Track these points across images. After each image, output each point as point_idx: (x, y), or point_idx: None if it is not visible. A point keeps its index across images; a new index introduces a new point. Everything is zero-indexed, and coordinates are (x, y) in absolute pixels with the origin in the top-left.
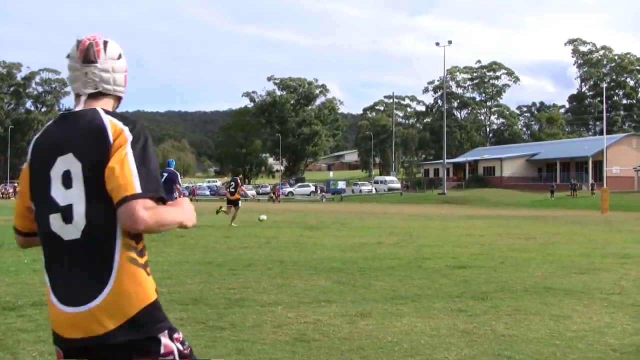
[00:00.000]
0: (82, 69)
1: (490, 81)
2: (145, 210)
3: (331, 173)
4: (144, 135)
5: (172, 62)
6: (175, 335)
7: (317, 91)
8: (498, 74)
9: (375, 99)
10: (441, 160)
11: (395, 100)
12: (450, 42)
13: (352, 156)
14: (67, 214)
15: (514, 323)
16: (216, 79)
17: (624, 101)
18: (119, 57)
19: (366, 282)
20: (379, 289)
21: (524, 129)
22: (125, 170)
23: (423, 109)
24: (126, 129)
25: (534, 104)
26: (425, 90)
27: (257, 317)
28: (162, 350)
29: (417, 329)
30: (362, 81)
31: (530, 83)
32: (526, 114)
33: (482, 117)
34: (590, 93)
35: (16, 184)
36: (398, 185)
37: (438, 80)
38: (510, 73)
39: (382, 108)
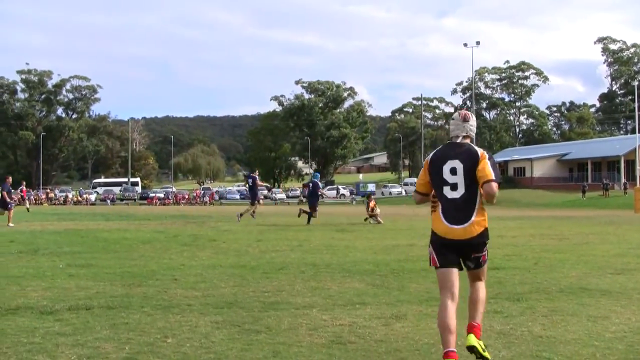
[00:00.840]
0: (462, 124)
1: (519, 81)
2: (496, 186)
3: (361, 176)
4: (489, 154)
5: (199, 67)
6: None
7: (345, 94)
8: (527, 74)
9: (403, 101)
10: None
11: (424, 102)
12: (478, 42)
13: (381, 158)
14: (453, 187)
15: (550, 324)
16: (243, 83)
17: None
18: (474, 119)
19: (400, 284)
20: (413, 291)
21: (554, 129)
22: (486, 169)
23: (452, 110)
24: (484, 151)
25: (563, 103)
26: (454, 92)
27: (292, 320)
28: (485, 251)
29: None
30: (390, 83)
31: (560, 83)
32: (556, 114)
33: (512, 118)
34: (621, 91)
35: (48, 190)
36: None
37: (466, 81)
38: (539, 73)
39: (410, 110)
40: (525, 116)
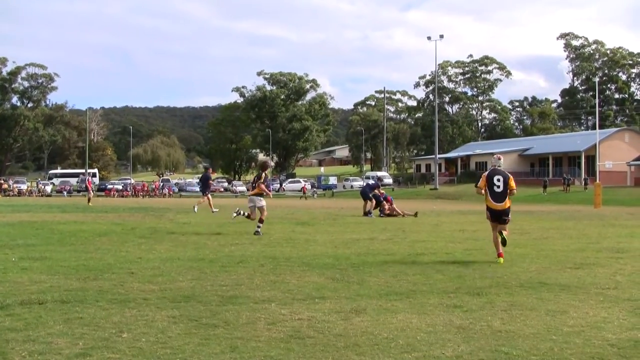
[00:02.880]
0: (498, 161)
1: (482, 76)
2: (515, 190)
3: (322, 169)
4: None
5: (161, 58)
6: None
7: (308, 86)
8: (490, 68)
9: (366, 93)
10: (433, 156)
11: (387, 95)
12: (441, 36)
13: (343, 151)
14: (497, 187)
15: (510, 318)
16: (205, 74)
17: (617, 95)
18: (502, 160)
19: (360, 278)
20: (373, 285)
21: (516, 123)
22: (512, 182)
23: (414, 103)
24: (510, 175)
25: (525, 98)
26: (417, 85)
27: (250, 314)
28: (509, 218)
29: (413, 325)
30: (353, 76)
31: (522, 78)
32: (518, 109)
33: (474, 112)
34: (583, 87)
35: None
36: (390, 181)
37: (429, 75)
38: (502, 67)
39: (373, 103)
40: (488, 110)
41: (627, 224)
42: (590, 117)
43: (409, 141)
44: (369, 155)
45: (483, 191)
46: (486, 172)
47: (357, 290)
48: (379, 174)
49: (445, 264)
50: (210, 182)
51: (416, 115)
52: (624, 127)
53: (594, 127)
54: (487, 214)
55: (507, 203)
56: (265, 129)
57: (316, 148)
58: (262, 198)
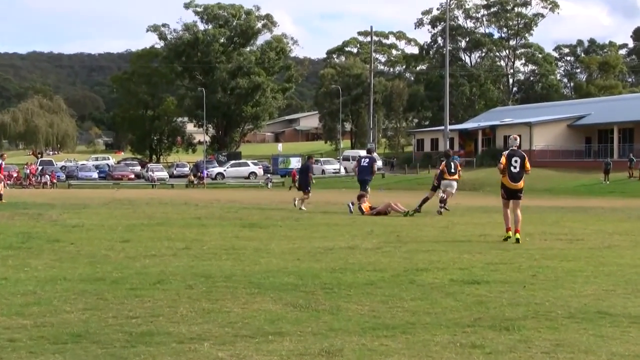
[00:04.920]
0: (514, 141)
1: (515, 9)
2: (530, 170)
3: (280, 146)
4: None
5: None
6: None
7: (259, 25)
8: None
9: (344, 37)
10: (441, 127)
11: (375, 38)
12: None
13: (310, 121)
14: (514, 167)
15: None
16: (106, 7)
17: None
18: (519, 139)
19: (334, 305)
20: (353, 315)
21: (565, 79)
22: (527, 163)
23: (416, 51)
24: (525, 155)
25: (579, 42)
26: (419, 24)
27: (172, 359)
28: (522, 195)
29: None
30: (325, 11)
31: (575, 11)
32: (568, 58)
33: (503, 63)
34: None
35: None
36: (379, 164)
37: (438, 9)
38: None
39: (355, 50)
40: (524, 61)
41: None
42: None
43: (406, 106)
44: (348, 126)
45: (503, 172)
46: (506, 152)
47: (329, 322)
48: (364, 152)
49: (459, 284)
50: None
51: (418, 69)
52: None
53: None
54: (502, 192)
55: (522, 183)
56: (197, 88)
57: (272, 116)
58: None
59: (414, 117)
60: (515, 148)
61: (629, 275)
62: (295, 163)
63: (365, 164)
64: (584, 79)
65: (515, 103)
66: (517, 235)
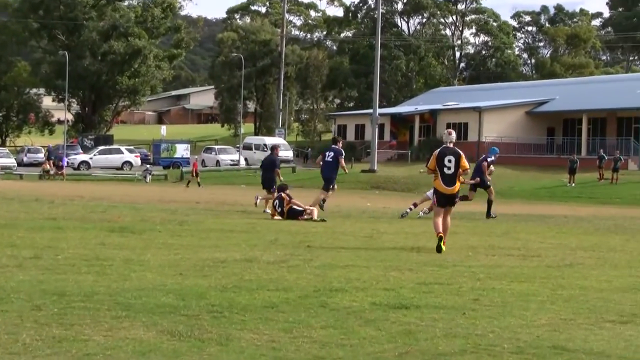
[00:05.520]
0: (448, 137)
1: None
2: (467, 169)
3: (164, 129)
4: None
5: None
6: None
7: None
8: None
9: None
10: (369, 111)
11: None
12: None
13: (204, 98)
14: (448, 169)
15: None
16: None
17: None
18: (454, 134)
19: (223, 334)
20: (247, 347)
21: (525, 55)
22: (464, 162)
23: (340, 13)
24: (461, 152)
25: (544, 9)
26: None
27: None
28: (457, 200)
29: None
30: None
31: None
32: (529, 28)
33: (449, 32)
34: None
35: None
36: (289, 154)
37: None
38: None
39: (262, 9)
40: (474, 30)
41: None
42: None
43: (326, 83)
44: (252, 106)
45: (433, 174)
46: (437, 151)
47: (216, 355)
48: (270, 140)
49: (383, 309)
50: None
51: (342, 35)
52: None
53: None
54: (435, 198)
55: (457, 186)
56: (58, 51)
57: (154, 90)
58: None
59: (335, 96)
60: (450, 145)
61: (592, 301)
62: (183, 151)
63: (330, 158)
64: (548, 54)
65: (462, 83)
66: (443, 246)
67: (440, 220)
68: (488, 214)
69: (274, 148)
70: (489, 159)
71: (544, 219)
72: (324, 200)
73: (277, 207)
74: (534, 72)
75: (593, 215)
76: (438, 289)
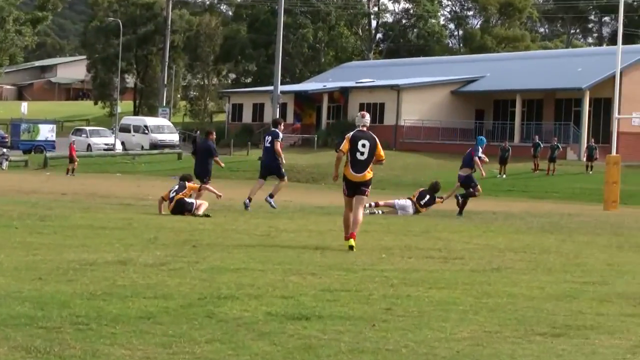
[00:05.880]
0: (362, 119)
1: None
2: (384, 160)
3: (24, 106)
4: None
5: None
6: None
7: None
8: None
9: None
10: (270, 88)
11: None
12: None
13: (73, 71)
14: (361, 154)
15: None
16: None
17: None
18: (368, 117)
19: (89, 349)
20: None
21: (452, 25)
22: (380, 150)
23: None
24: (376, 137)
25: None
26: None
27: None
28: (368, 190)
29: None
30: None
31: None
32: None
33: None
34: None
35: None
36: (174, 138)
37: None
38: None
39: None
40: None
41: None
42: (607, 19)
43: (220, 54)
44: (131, 80)
45: (344, 157)
46: (350, 134)
47: None
48: (152, 121)
49: (280, 320)
50: None
51: (238, 1)
52: None
53: (612, 41)
54: (344, 186)
55: (369, 174)
56: None
57: (14, 60)
58: None
59: (230, 71)
60: (364, 129)
61: (522, 311)
62: (48, 133)
63: (268, 143)
64: (478, 25)
65: (379, 56)
66: (352, 242)
67: (349, 214)
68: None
69: (209, 133)
70: (478, 154)
71: (470, 215)
72: (271, 196)
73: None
74: (461, 45)
75: (526, 212)
76: (345, 296)
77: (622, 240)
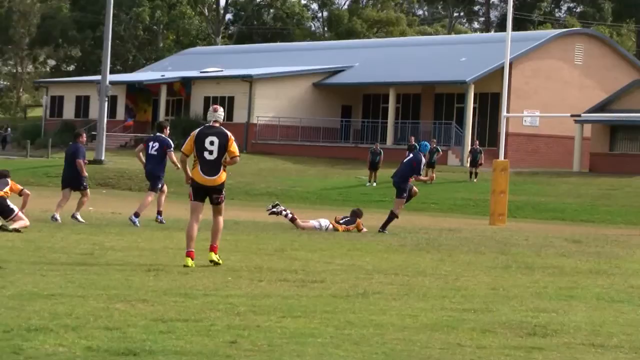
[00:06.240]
0: (214, 114)
1: None
2: (239, 158)
3: None
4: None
5: None
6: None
7: None
8: None
9: None
10: (97, 77)
11: None
12: None
13: None
14: (210, 153)
15: None
16: None
17: None
18: (222, 111)
19: None
20: None
21: (314, 5)
22: (233, 147)
23: None
24: (230, 134)
25: None
26: None
27: None
28: (222, 196)
29: None
30: None
31: None
32: None
33: None
34: None
35: None
36: None
37: None
38: None
39: None
40: None
41: (566, 265)
42: (495, 1)
43: (36, 36)
44: None
45: (187, 160)
46: (196, 130)
47: None
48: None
49: (102, 356)
50: None
51: None
52: (574, 28)
53: (501, 27)
54: (191, 190)
55: (222, 177)
56: None
57: None
58: None
59: (49, 56)
60: (216, 125)
61: (391, 344)
62: None
63: (154, 151)
64: (346, 6)
65: (228, 41)
66: (213, 256)
67: (195, 225)
68: (384, 227)
69: (78, 135)
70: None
71: (333, 233)
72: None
73: None
74: (326, 29)
75: (399, 227)
76: (181, 327)
77: (509, 260)
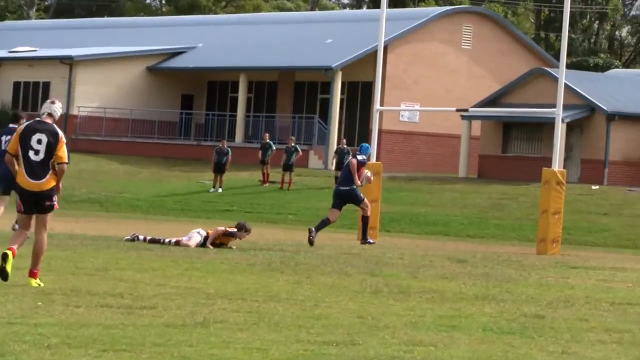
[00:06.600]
0: (51, 106)
1: None
2: (66, 166)
3: None
4: (65, 138)
5: None
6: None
7: None
8: None
9: None
10: None
11: None
12: None
13: None
14: (36, 153)
15: None
16: None
17: None
18: (60, 106)
19: None
20: None
21: None
22: (62, 151)
23: None
24: (63, 135)
25: None
26: None
27: None
28: (54, 203)
29: None
30: None
31: None
32: None
33: None
34: None
35: None
36: None
37: None
38: None
39: None
40: None
41: (448, 290)
42: None
43: None
44: None
45: (15, 160)
46: (22, 126)
47: None
48: None
49: None
50: None
51: None
52: (461, 5)
53: (374, 2)
54: (17, 198)
55: (50, 181)
56: None
57: None
58: None
59: None
60: (48, 120)
61: None
62: None
63: (5, 146)
64: None
65: (44, 16)
66: (34, 282)
67: (21, 236)
68: (364, 237)
69: (17, 117)
70: (359, 157)
71: (167, 247)
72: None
73: None
74: (163, 2)
75: (249, 242)
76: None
77: (379, 283)
